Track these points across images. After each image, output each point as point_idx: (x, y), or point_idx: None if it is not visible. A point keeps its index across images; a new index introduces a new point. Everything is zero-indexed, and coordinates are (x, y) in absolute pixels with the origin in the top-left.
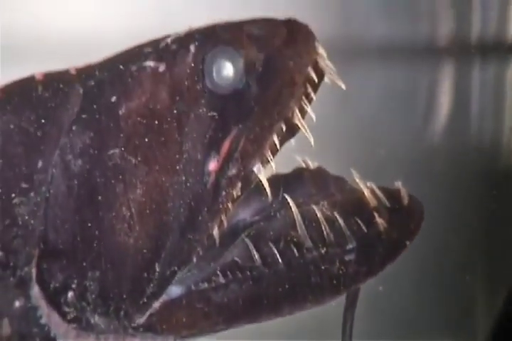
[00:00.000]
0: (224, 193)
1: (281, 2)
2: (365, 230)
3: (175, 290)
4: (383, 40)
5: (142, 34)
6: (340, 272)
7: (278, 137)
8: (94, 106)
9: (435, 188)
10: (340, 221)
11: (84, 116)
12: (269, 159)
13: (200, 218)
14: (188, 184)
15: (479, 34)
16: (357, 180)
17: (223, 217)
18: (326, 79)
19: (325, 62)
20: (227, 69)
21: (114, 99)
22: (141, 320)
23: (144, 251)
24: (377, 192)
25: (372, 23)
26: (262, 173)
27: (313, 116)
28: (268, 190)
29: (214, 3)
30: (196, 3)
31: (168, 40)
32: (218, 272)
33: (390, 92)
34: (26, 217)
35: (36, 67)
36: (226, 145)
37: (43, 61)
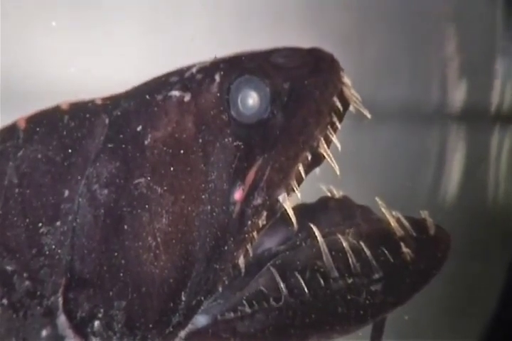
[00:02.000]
0: (249, 222)
1: None
2: (392, 260)
3: (201, 320)
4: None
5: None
6: (367, 302)
7: (303, 166)
8: (120, 136)
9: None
10: (367, 251)
11: (109, 145)
12: (295, 188)
13: (225, 247)
14: (214, 213)
15: (498, 102)
16: (383, 210)
17: (249, 247)
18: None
19: (350, 91)
20: (253, 99)
21: (139, 128)
22: None
23: (170, 280)
24: (404, 221)
25: (384, 87)
26: (287, 202)
27: (339, 146)
28: (293, 219)
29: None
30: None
31: (194, 70)
32: (244, 302)
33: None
34: (53, 247)
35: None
36: (251, 175)
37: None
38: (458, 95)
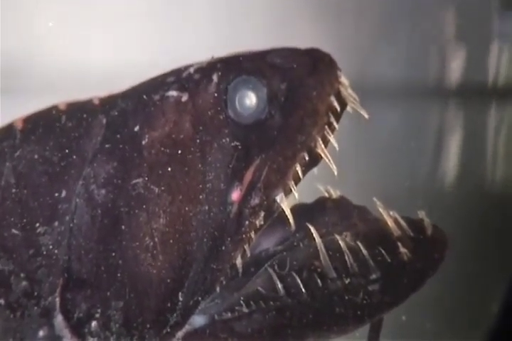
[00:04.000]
0: (247, 223)
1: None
2: (389, 260)
3: (198, 320)
4: (399, 83)
5: (145, 69)
6: (364, 302)
7: (301, 166)
8: (117, 136)
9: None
10: (364, 251)
11: (107, 145)
12: (292, 188)
13: (223, 248)
14: (211, 213)
15: (493, 77)
16: (380, 210)
17: (246, 247)
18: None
19: (347, 91)
20: (250, 99)
21: (137, 128)
22: None
23: (168, 280)
24: (401, 221)
25: (387, 68)
26: (285, 203)
27: (336, 146)
28: (291, 219)
29: (228, 38)
30: (209, 36)
31: (191, 70)
32: (241, 302)
33: (402, 131)
34: (50, 247)
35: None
36: (249, 175)
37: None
38: (454, 71)
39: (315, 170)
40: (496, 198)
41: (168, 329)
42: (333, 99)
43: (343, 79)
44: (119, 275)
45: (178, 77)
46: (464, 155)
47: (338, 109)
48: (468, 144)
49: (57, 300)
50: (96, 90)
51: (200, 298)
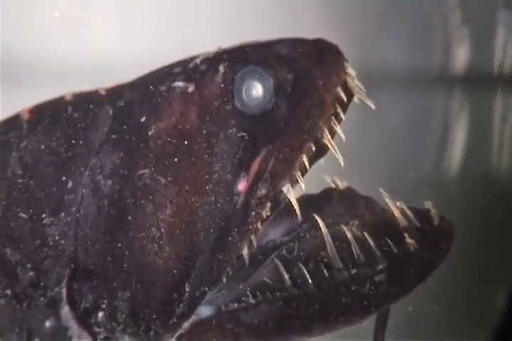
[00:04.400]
0: (253, 213)
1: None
2: (396, 250)
3: (205, 311)
4: (402, 70)
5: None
6: (371, 292)
7: (307, 157)
8: (124, 127)
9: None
10: (370, 241)
11: (113, 136)
12: (299, 179)
13: (229, 238)
14: (218, 204)
15: (499, 65)
16: (386, 200)
17: (253, 238)
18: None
19: (354, 82)
20: (257, 90)
21: (143, 119)
22: (171, 340)
23: (174, 271)
24: (407, 212)
25: (393, 57)
26: (292, 193)
27: (343, 136)
28: (297, 210)
29: (236, 26)
30: (217, 25)
31: (198, 60)
32: (248, 292)
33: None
34: (57, 238)
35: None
36: (255, 166)
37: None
38: (459, 59)
39: (321, 160)
40: (501, 188)
41: (175, 320)
42: (339, 89)
43: (350, 70)
44: (125, 265)
45: (185, 68)
46: (469, 144)
47: (345, 99)
48: (474, 133)
49: (64, 290)
50: (101, 81)
51: (206, 289)
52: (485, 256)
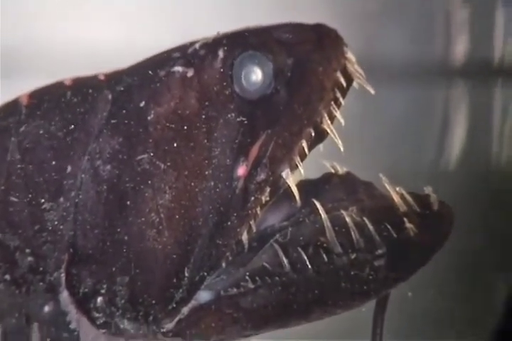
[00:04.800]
0: (253, 198)
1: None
2: (395, 235)
3: (204, 296)
4: (403, 61)
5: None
6: (370, 277)
7: (307, 142)
8: (123, 112)
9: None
10: (370, 226)
11: (112, 121)
12: (298, 164)
13: (228, 223)
14: (217, 189)
15: (500, 55)
16: (386, 186)
17: (252, 223)
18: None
19: (354, 67)
20: (256, 75)
21: (142, 104)
22: (170, 325)
23: (173, 256)
24: (407, 197)
25: (392, 45)
26: (291, 178)
27: (342, 121)
28: (297, 195)
29: (237, 15)
30: (217, 15)
31: (197, 46)
32: (247, 277)
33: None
34: (56, 223)
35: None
36: (255, 151)
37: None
38: (460, 50)
39: (321, 146)
40: (501, 178)
41: (174, 305)
42: (339, 74)
43: (350, 55)
44: (124, 250)
45: (184, 53)
46: (469, 135)
47: (345, 84)
48: (474, 124)
49: (63, 275)
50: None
51: (205, 274)
52: (484, 247)
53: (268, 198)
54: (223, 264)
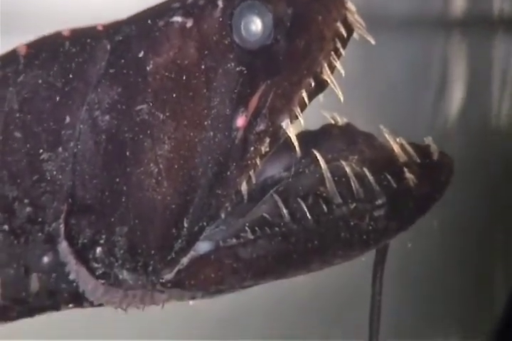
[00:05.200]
0: (252, 149)
1: None
2: (395, 185)
3: (203, 246)
4: (403, 12)
5: None
6: (370, 227)
7: (307, 92)
8: (122, 61)
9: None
10: (370, 176)
11: (111, 71)
12: (298, 115)
13: (228, 174)
14: (216, 139)
15: (500, 6)
16: (386, 136)
17: (251, 173)
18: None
19: (354, 17)
20: (256, 24)
21: (141, 54)
22: (169, 275)
23: (172, 206)
24: (407, 147)
25: None
26: (291, 129)
27: (343, 72)
28: (297, 145)
29: None
30: None
31: None
32: (247, 228)
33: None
34: (54, 173)
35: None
36: (254, 101)
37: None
38: (459, 1)
39: (320, 98)
40: (501, 132)
41: (173, 256)
42: (339, 24)
43: (350, 5)
44: (123, 201)
45: (183, 3)
46: (469, 88)
47: (345, 35)
48: (474, 75)
49: (62, 226)
50: None
51: (204, 224)
52: (482, 201)
53: (268, 149)
54: (222, 215)
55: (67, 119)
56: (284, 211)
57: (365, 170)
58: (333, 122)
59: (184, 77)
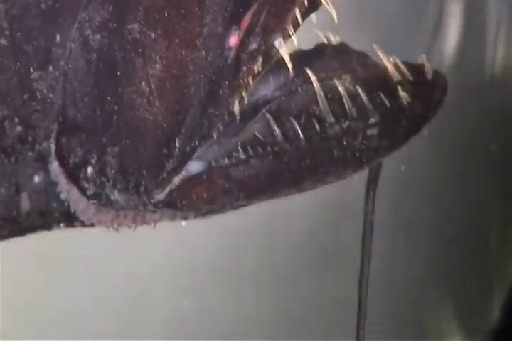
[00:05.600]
0: (245, 68)
1: None
2: (388, 104)
3: (195, 166)
4: None
5: None
6: (363, 146)
7: (300, 11)
8: None
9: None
10: (363, 95)
11: None
12: (291, 34)
13: (220, 93)
14: (209, 59)
15: None
16: (380, 55)
17: (244, 93)
18: None
19: None
20: None
21: None
22: (160, 195)
23: (164, 125)
24: (401, 66)
25: None
26: (283, 48)
27: None
28: (289, 64)
29: None
30: None
31: None
32: (239, 148)
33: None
34: (45, 92)
35: None
36: (247, 19)
37: None
38: None
39: (313, 18)
40: (495, 81)
41: (165, 175)
42: None
43: None
44: (114, 120)
45: None
46: (464, 35)
47: None
48: (469, 24)
49: (53, 145)
50: None
51: (196, 144)
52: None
53: (260, 68)
54: (214, 135)
55: (58, 38)
56: (277, 130)
57: (359, 88)
58: (326, 41)
59: None
